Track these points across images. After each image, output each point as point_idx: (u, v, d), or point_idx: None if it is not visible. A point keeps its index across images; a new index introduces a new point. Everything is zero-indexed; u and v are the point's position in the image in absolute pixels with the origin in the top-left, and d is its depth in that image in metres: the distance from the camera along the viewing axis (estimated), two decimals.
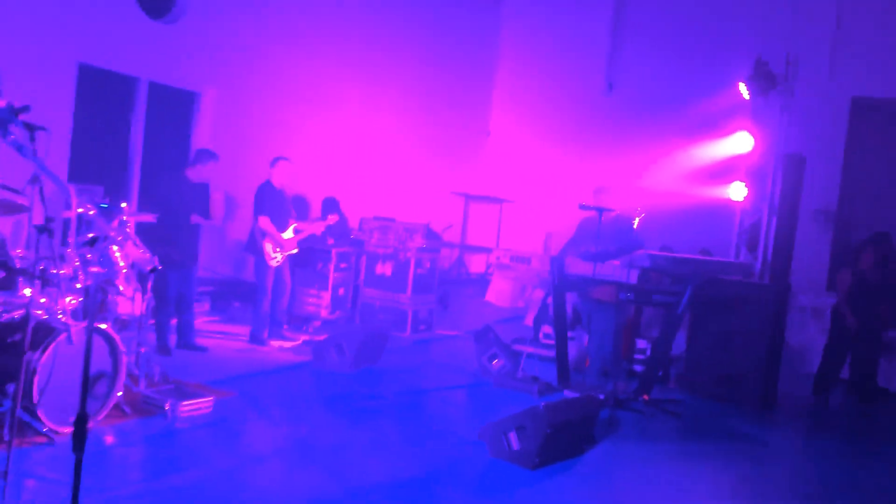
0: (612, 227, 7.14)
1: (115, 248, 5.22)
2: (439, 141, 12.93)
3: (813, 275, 10.84)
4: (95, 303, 5.03)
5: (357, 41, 11.00)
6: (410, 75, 12.16)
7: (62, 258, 4.66)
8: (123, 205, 5.58)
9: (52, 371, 4.33)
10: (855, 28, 11.34)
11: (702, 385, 7.66)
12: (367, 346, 7.24)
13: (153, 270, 5.58)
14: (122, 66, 8.33)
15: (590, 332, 7.50)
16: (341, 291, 9.24)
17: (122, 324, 6.70)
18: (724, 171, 9.42)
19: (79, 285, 4.80)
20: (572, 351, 7.64)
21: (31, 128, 3.27)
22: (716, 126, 9.99)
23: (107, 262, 5.16)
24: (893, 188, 11.10)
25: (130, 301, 5.53)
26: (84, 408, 2.94)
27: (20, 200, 4.57)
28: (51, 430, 4.41)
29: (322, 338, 7.61)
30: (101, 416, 4.77)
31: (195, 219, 7.12)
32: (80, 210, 4.95)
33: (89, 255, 4.94)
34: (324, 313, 9.01)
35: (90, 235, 5.01)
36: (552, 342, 7.60)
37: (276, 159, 7.87)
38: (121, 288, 5.30)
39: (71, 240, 4.85)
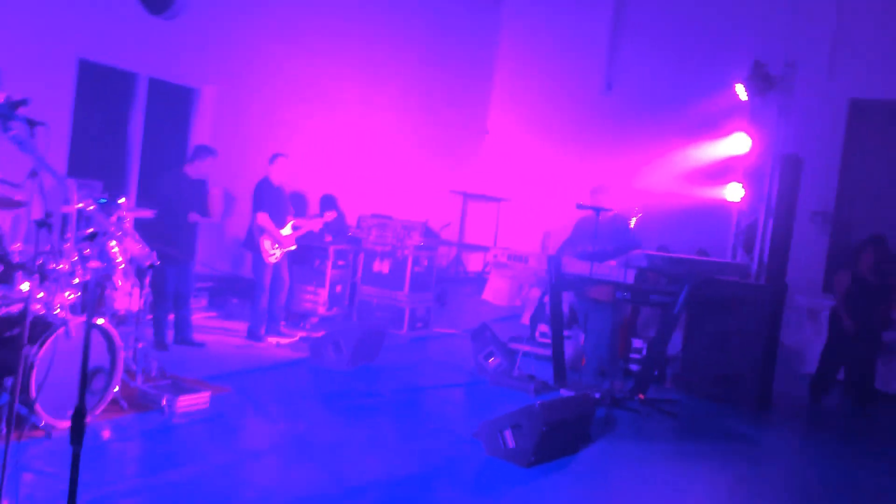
0: (610, 227, 7.17)
1: (113, 243, 5.23)
2: (438, 139, 12.94)
3: (810, 276, 10.86)
4: (94, 298, 5.04)
5: (357, 39, 11.00)
6: (410, 74, 12.17)
7: (61, 253, 4.67)
8: (122, 200, 5.58)
9: (50, 365, 4.34)
10: (854, 29, 11.34)
11: (698, 385, 7.68)
12: (364, 343, 7.25)
13: (151, 266, 5.60)
14: (122, 61, 8.34)
15: (586, 331, 7.51)
16: (339, 288, 9.25)
17: (119, 319, 6.70)
18: (722, 171, 9.45)
19: (77, 280, 4.81)
20: (569, 350, 7.65)
21: (31, 123, 3.27)
22: (714, 126, 10.02)
23: (105, 257, 5.17)
24: (891, 190, 11.10)
25: (128, 296, 5.53)
26: (83, 402, 2.94)
27: (19, 195, 4.58)
28: (48, 424, 4.42)
29: (319, 335, 7.60)
30: (98, 411, 4.79)
31: (193, 217, 7.13)
32: (79, 205, 4.95)
33: (88, 251, 4.95)
34: (321, 310, 9.02)
35: (89, 230, 5.02)
36: (549, 341, 7.63)
37: (275, 156, 7.89)
38: (119, 283, 5.31)
39: (70, 235, 4.85)
